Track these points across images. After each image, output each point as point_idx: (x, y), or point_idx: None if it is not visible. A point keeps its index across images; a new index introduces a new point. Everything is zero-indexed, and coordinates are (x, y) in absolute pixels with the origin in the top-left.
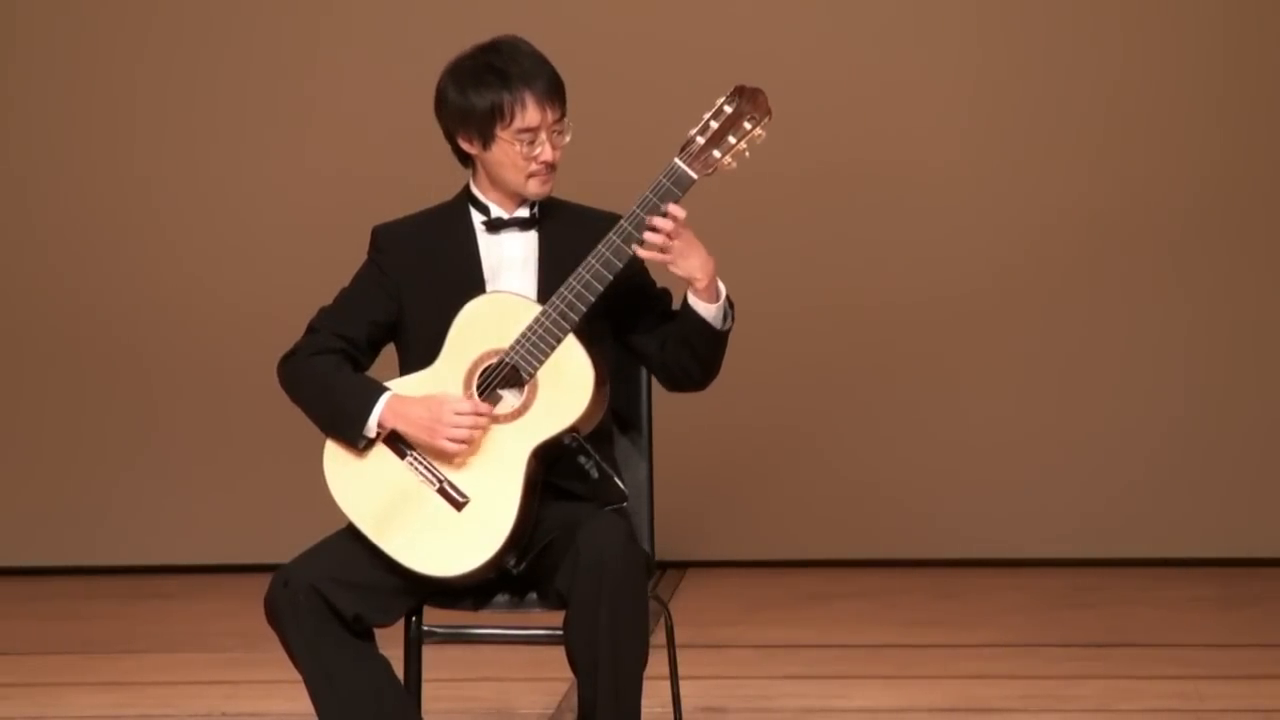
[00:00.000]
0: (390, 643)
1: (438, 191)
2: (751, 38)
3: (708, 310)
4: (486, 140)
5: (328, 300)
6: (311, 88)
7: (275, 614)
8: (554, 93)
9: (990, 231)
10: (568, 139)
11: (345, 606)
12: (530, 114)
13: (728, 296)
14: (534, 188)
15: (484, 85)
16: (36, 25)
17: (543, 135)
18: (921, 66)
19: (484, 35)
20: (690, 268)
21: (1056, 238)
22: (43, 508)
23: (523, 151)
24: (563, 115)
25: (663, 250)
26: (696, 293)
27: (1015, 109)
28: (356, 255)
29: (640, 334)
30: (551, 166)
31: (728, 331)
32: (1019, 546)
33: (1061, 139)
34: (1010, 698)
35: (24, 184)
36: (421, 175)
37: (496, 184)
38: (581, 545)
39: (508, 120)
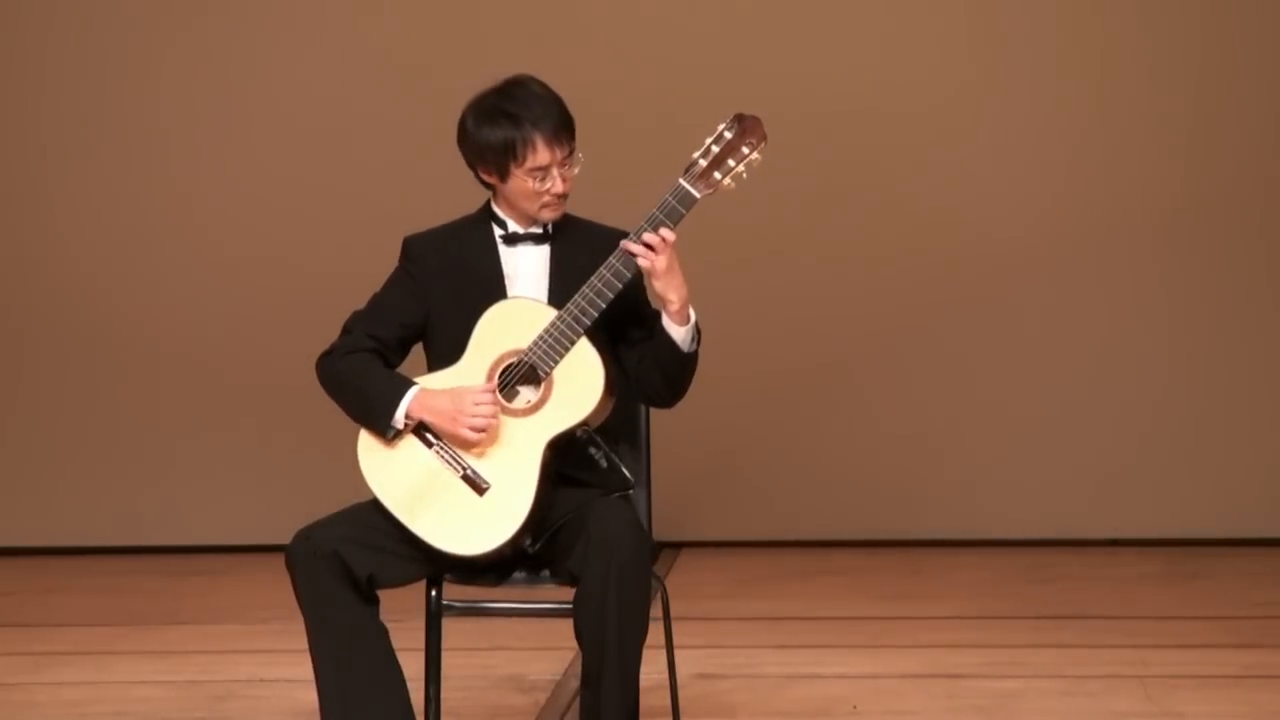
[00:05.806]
0: (412, 615)
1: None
2: (746, 61)
3: (677, 332)
4: (503, 175)
5: (357, 290)
6: (329, 100)
7: (293, 562)
8: (562, 132)
9: (968, 231)
10: (577, 170)
11: (360, 566)
12: (540, 154)
13: (696, 323)
14: (546, 214)
15: (498, 126)
16: (58, 29)
17: (553, 171)
18: (904, 69)
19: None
20: (665, 287)
21: (1035, 237)
22: (96, 493)
23: (535, 186)
24: (571, 151)
25: (649, 261)
26: (669, 315)
27: (1009, 110)
28: (374, 247)
29: (624, 346)
30: (562, 196)
31: (693, 354)
32: (983, 528)
33: (1052, 141)
34: (975, 664)
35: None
36: (424, 183)
37: (513, 208)
38: (593, 529)
39: (520, 160)
